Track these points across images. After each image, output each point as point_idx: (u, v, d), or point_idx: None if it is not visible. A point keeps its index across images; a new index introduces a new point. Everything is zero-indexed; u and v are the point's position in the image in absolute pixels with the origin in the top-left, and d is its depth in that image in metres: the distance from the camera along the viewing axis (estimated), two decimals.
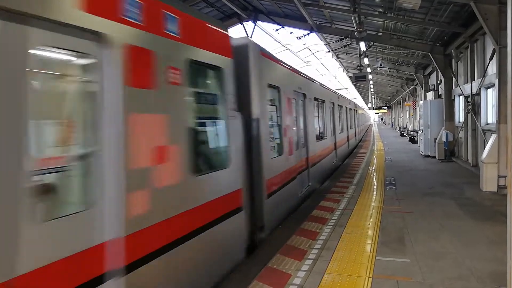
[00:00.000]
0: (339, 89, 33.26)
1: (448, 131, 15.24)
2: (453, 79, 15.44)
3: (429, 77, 22.04)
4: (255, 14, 15.03)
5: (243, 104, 5.46)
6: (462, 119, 14.46)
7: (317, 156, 10.45)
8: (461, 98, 14.48)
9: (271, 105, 6.91)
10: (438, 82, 18.02)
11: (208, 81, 4.87)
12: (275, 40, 29.82)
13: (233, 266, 4.87)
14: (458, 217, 6.89)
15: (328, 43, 20.15)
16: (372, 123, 62.73)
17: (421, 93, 24.57)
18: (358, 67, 21.31)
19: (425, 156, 16.76)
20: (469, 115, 12.99)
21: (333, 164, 13.47)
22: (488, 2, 8.92)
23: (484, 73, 11.55)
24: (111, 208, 2.94)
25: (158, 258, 3.36)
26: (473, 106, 12.69)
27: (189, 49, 4.08)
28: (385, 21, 14.69)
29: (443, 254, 5.07)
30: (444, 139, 15.28)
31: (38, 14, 2.44)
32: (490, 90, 11.84)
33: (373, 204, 8.13)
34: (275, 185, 6.59)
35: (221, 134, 4.93)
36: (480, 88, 12.12)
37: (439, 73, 16.57)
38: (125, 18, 3.12)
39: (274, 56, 7.26)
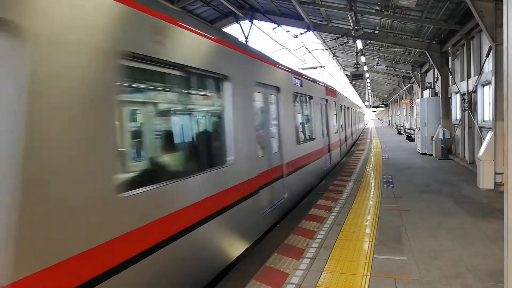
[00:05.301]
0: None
1: (445, 129, 15.27)
2: (450, 76, 15.46)
3: (426, 75, 22.07)
4: (252, 13, 14.99)
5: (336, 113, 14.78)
6: (459, 117, 14.49)
7: (347, 136, 19.33)
8: (458, 95, 14.50)
9: (342, 112, 16.92)
10: (435, 79, 18.05)
11: (333, 107, 14.08)
12: (272, 39, 29.78)
13: (339, 159, 15.12)
14: (455, 215, 6.90)
15: (324, 42, 20.15)
16: (370, 126, 61.65)
17: (418, 91, 24.62)
18: (355, 66, 21.32)
19: (422, 154, 16.80)
20: (466, 112, 13.02)
21: (354, 140, 25.21)
22: None
23: (480, 71, 11.57)
24: None
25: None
26: (470, 103, 12.71)
27: (329, 98, 13.17)
28: (382, 19, 14.69)
29: (441, 252, 5.07)
30: (441, 136, 15.32)
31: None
32: (486, 88, 11.86)
33: (370, 202, 8.13)
34: (342, 142, 16.35)
35: (336, 120, 14.56)
36: (476, 86, 12.14)
37: (436, 70, 16.60)
38: (328, 94, 12.97)
39: (341, 93, 17.74)
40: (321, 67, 19.93)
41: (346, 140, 18.59)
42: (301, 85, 8.99)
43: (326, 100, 12.50)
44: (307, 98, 10.11)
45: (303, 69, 18.74)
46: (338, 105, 15.52)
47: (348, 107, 20.95)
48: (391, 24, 15.40)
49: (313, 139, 10.17)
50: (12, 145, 2.25)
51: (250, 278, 4.46)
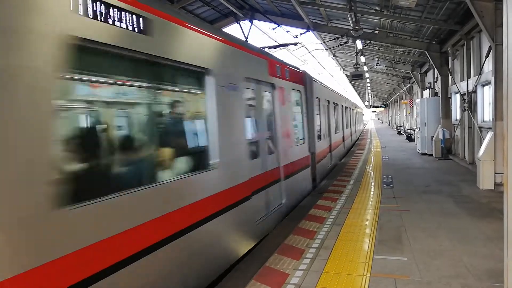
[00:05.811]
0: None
1: (444, 129, 15.28)
2: (450, 76, 15.47)
3: (426, 75, 22.08)
4: (252, 13, 14.99)
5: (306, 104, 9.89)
6: (458, 117, 14.50)
7: (333, 146, 14.27)
8: (458, 95, 14.51)
9: (321, 109, 11.87)
10: (435, 80, 18.06)
11: (297, 96, 9.23)
12: (271, 38, 29.83)
13: (310, 188, 9.76)
14: (455, 215, 6.90)
15: (324, 42, 20.16)
16: (370, 126, 60.58)
17: (417, 91, 24.64)
18: (355, 66, 21.33)
19: (422, 154, 16.80)
20: (466, 112, 13.03)
21: (347, 148, 20.98)
22: None
23: (480, 71, 11.57)
24: None
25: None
26: (470, 103, 12.72)
27: (284, 83, 7.93)
28: (382, 19, 14.69)
29: (441, 252, 5.07)
30: (440, 137, 15.32)
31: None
32: (486, 88, 11.87)
33: (370, 202, 8.13)
34: (321, 156, 11.61)
35: (300, 115, 9.43)
36: (476, 86, 12.15)
37: (436, 71, 16.61)
38: (281, 76, 7.68)
39: (317, 79, 11.79)
40: (294, 44, 14.58)
41: (331, 151, 13.39)
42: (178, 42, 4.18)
43: (273, 86, 7.14)
44: (207, 77, 4.70)
45: (269, 47, 12.90)
46: (312, 99, 10.16)
47: (336, 104, 15.70)
48: (391, 24, 15.40)
49: (208, 167, 4.58)
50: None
51: (250, 278, 4.45)
